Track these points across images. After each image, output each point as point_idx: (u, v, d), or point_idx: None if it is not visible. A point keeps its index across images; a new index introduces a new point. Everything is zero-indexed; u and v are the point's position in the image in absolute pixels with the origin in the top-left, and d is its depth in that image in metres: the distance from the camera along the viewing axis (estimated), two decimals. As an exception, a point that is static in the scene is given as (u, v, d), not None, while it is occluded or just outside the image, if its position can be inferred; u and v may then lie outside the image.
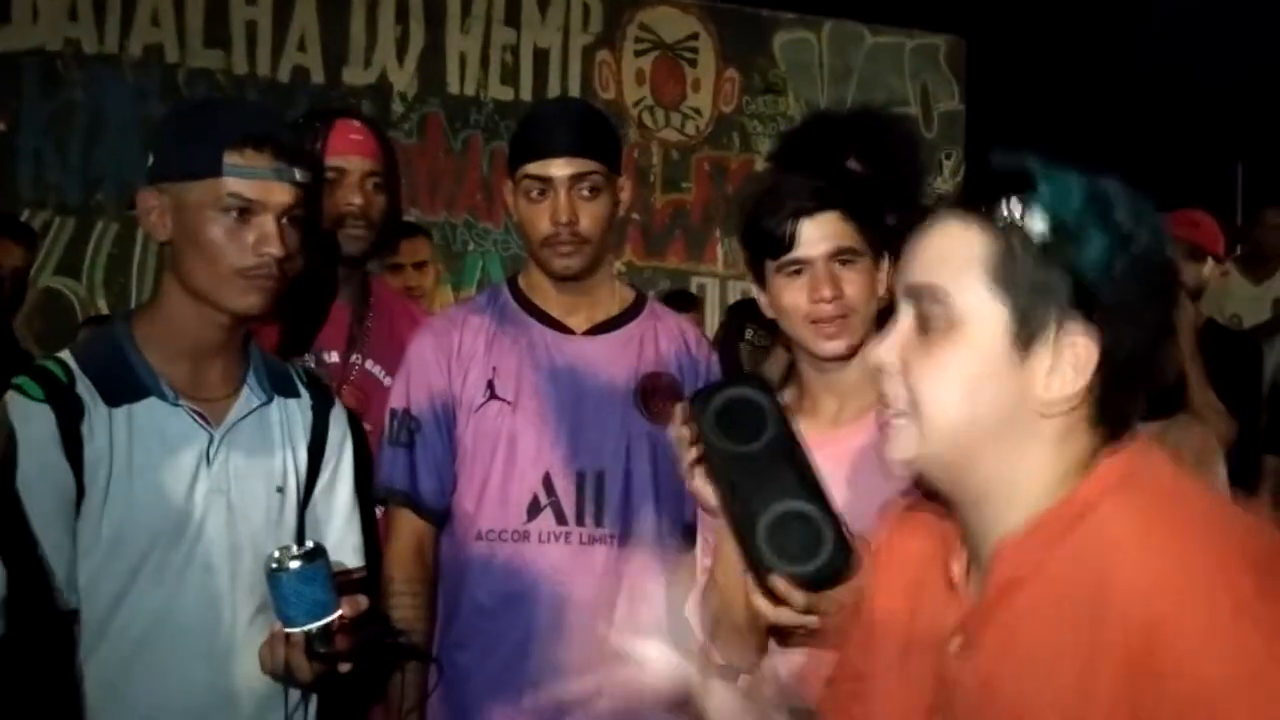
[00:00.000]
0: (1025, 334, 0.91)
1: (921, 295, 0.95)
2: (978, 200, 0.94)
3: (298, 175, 1.56)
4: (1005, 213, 0.91)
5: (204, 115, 1.64)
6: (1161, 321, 0.94)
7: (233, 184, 1.52)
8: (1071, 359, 0.91)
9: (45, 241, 4.55)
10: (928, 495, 1.05)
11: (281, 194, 1.54)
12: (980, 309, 0.92)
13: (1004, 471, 0.93)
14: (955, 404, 0.93)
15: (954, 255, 0.94)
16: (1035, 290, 0.90)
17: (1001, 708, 0.91)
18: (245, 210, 1.53)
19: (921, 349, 0.95)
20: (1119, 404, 0.94)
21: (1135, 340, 0.92)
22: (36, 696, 1.45)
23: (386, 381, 2.03)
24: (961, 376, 0.92)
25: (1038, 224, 0.90)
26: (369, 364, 2.05)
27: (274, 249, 1.53)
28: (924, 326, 0.95)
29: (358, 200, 1.99)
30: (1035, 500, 0.93)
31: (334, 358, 2.03)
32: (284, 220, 1.55)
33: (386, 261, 3.74)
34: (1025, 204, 0.91)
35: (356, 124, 2.06)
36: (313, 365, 1.98)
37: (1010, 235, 0.91)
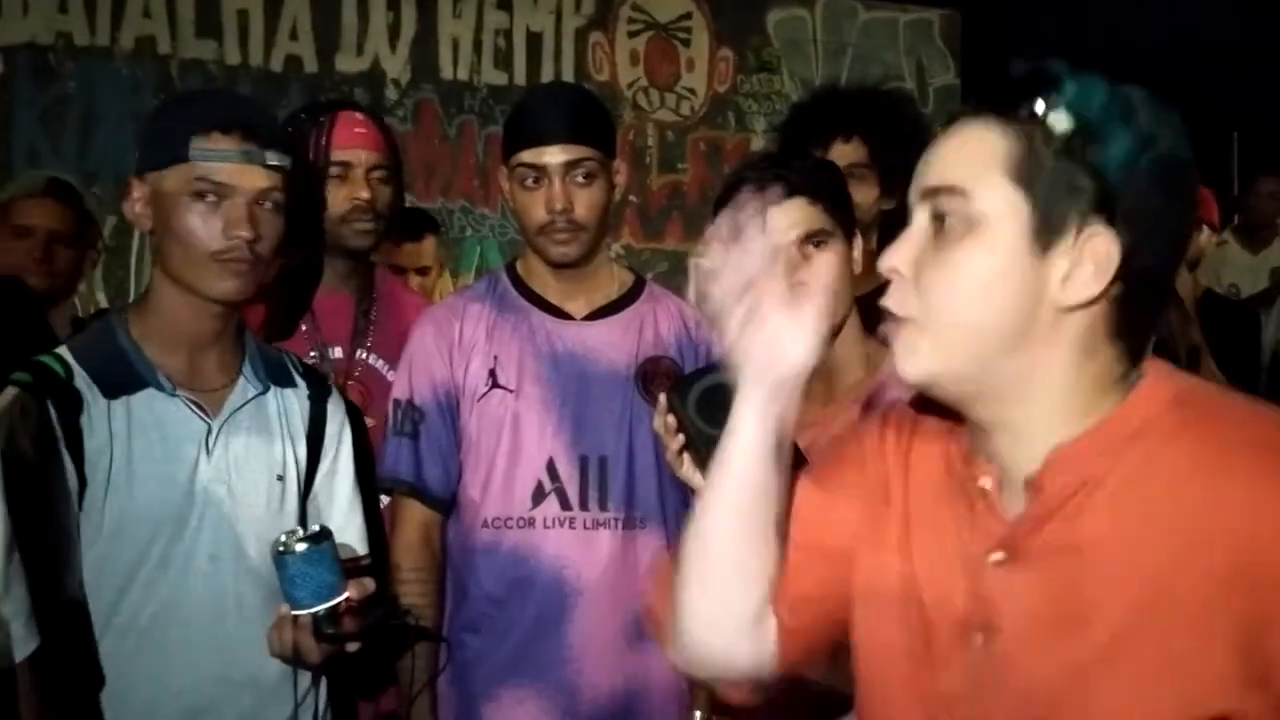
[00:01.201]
0: (1046, 232, 0.89)
1: (939, 196, 0.93)
2: (998, 102, 0.92)
3: (269, 158, 1.56)
4: (1028, 112, 0.90)
5: (177, 105, 1.66)
6: (1182, 229, 0.94)
7: (201, 168, 1.53)
8: (1092, 259, 0.89)
9: (42, 236, 4.54)
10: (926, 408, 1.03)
11: (252, 177, 1.55)
12: (1000, 207, 0.90)
13: (1025, 377, 0.92)
14: (972, 307, 0.91)
15: (974, 155, 0.92)
16: (1057, 188, 0.89)
17: (1069, 613, 0.89)
18: (216, 194, 1.54)
19: (937, 253, 0.93)
20: (1140, 316, 0.93)
21: (1156, 246, 0.91)
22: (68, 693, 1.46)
23: (390, 376, 2.03)
24: (979, 278, 0.91)
25: (1061, 121, 0.89)
26: (372, 359, 2.05)
27: (244, 232, 1.53)
28: (940, 229, 0.93)
29: (365, 194, 1.99)
30: (1067, 411, 0.92)
31: (338, 353, 2.03)
32: (260, 204, 1.56)
33: (388, 263, 3.71)
34: (1048, 102, 0.89)
35: (360, 116, 2.06)
36: (318, 361, 1.99)
37: (1033, 134, 0.90)
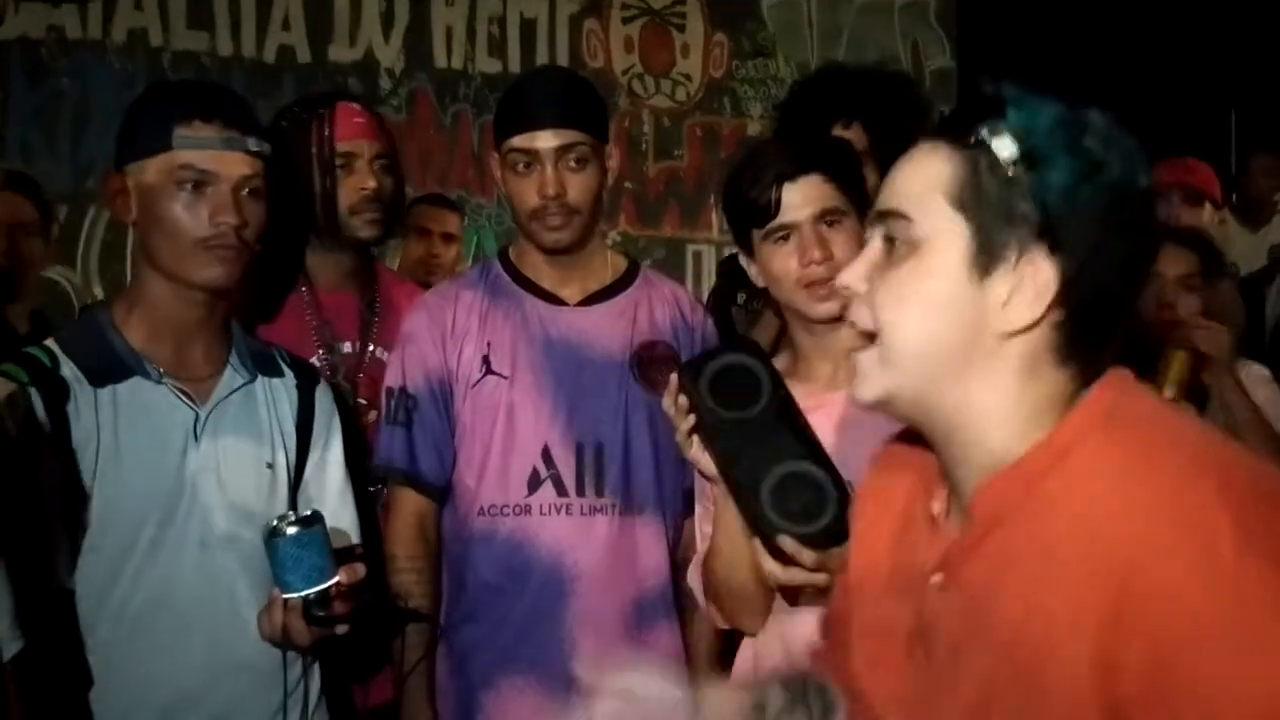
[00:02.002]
0: (985, 257, 0.90)
1: (888, 220, 0.95)
2: (951, 127, 0.94)
3: (251, 145, 1.57)
4: (975, 137, 0.90)
5: (156, 95, 1.65)
6: (1134, 257, 0.93)
7: (184, 156, 1.54)
8: (1031, 285, 0.89)
9: (38, 231, 4.53)
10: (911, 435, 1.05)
11: (235, 164, 1.56)
12: (941, 231, 0.91)
13: (970, 402, 0.92)
14: (915, 327, 0.92)
15: (920, 179, 0.93)
16: (998, 213, 0.89)
17: (983, 643, 0.90)
18: (200, 182, 1.54)
19: (887, 273, 0.94)
20: (1086, 341, 0.92)
21: (1101, 273, 0.90)
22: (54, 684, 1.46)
23: None
24: (921, 299, 0.92)
25: (1005, 148, 0.89)
26: (379, 351, 2.04)
27: (230, 218, 1.54)
28: (890, 251, 0.95)
29: (372, 184, 1.99)
30: (1007, 435, 0.92)
31: (349, 348, 2.03)
32: (242, 191, 1.56)
33: (411, 225, 3.75)
34: (993, 128, 0.90)
35: (358, 107, 2.06)
36: (327, 357, 1.99)
37: (978, 159, 0.90)
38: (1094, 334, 0.93)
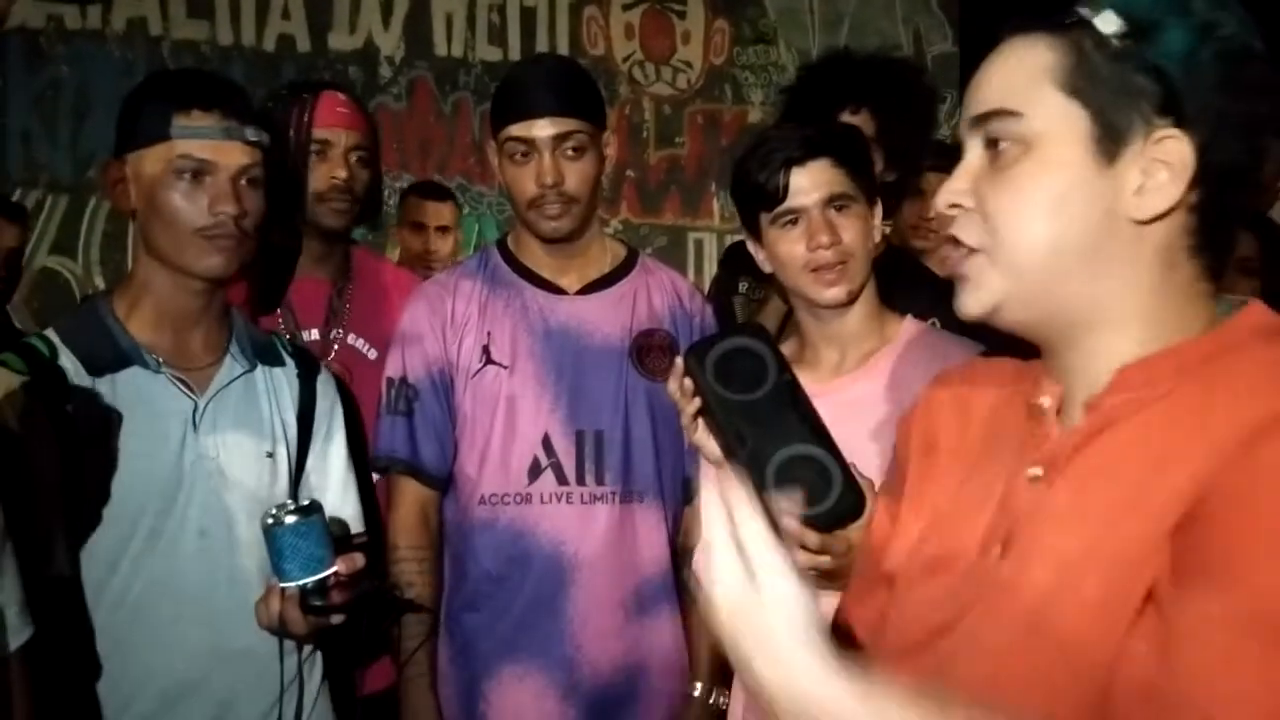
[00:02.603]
0: (1110, 140, 0.84)
1: (990, 121, 0.88)
2: (1042, 14, 0.87)
3: (249, 134, 1.57)
4: (1073, 19, 0.84)
5: (155, 84, 1.65)
6: (1260, 125, 0.85)
7: (183, 145, 1.54)
8: (1165, 164, 0.83)
9: (38, 221, 4.54)
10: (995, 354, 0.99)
11: (234, 153, 1.56)
12: (1056, 121, 0.85)
13: (1105, 299, 0.86)
14: (1041, 229, 0.85)
15: (1021, 73, 0.87)
16: (1115, 92, 0.83)
17: (1075, 531, 0.84)
18: (199, 171, 1.55)
19: (997, 179, 0.87)
20: (1222, 223, 0.86)
21: (1233, 142, 0.84)
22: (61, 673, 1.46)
23: (371, 355, 2.03)
24: (1045, 198, 0.85)
25: (1109, 23, 0.83)
26: (351, 338, 2.04)
27: (229, 208, 1.54)
28: (995, 156, 0.88)
29: (342, 174, 1.99)
30: (1148, 332, 0.86)
31: (314, 335, 2.02)
32: (241, 180, 1.56)
33: (405, 219, 3.75)
34: (1093, 4, 0.84)
35: (342, 97, 2.06)
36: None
37: (1082, 41, 0.84)
38: (1228, 216, 0.87)
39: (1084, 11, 0.85)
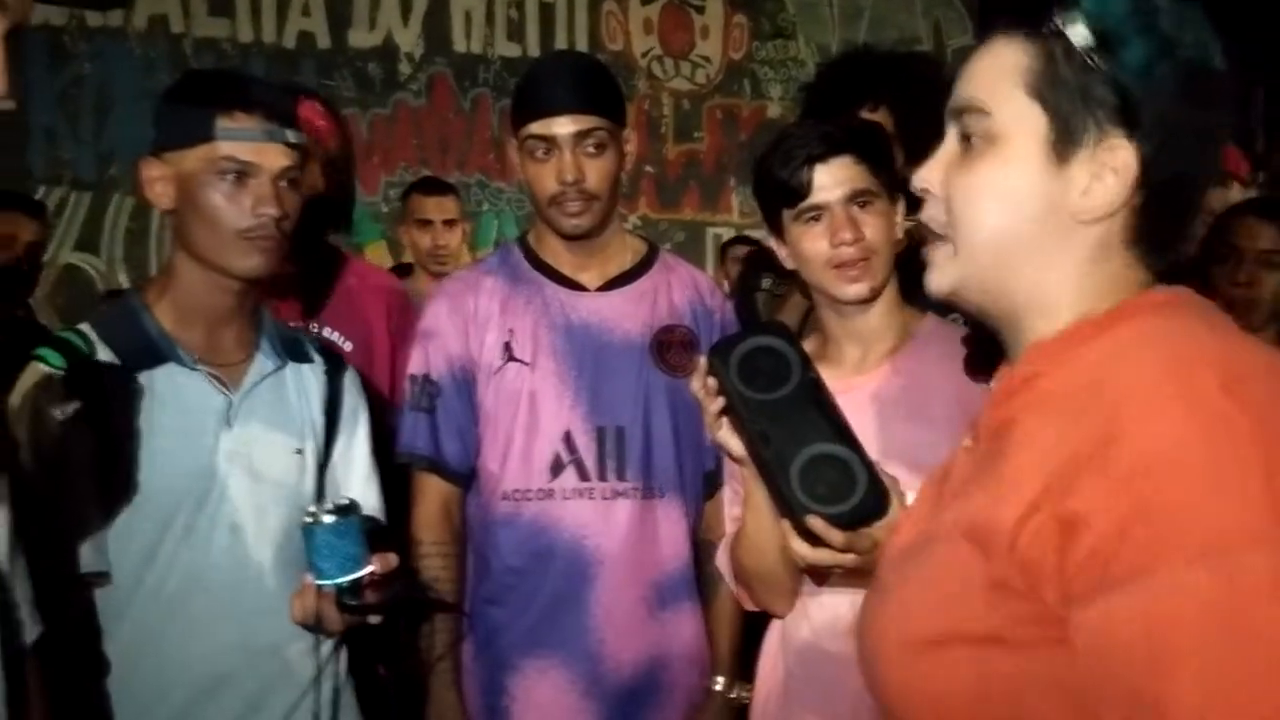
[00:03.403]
0: (1064, 142, 0.91)
1: (964, 115, 0.95)
2: (1023, 18, 0.94)
3: (290, 137, 1.59)
4: (1048, 26, 0.91)
5: (197, 83, 1.66)
6: (1210, 136, 0.93)
7: (226, 147, 1.55)
8: (1112, 167, 0.90)
9: (62, 218, 4.58)
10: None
11: (276, 155, 1.57)
12: (1019, 121, 0.92)
13: (1041, 285, 0.94)
14: (993, 217, 0.93)
15: (995, 71, 0.94)
16: (1075, 98, 0.90)
17: (983, 490, 0.91)
18: (241, 173, 1.56)
19: (963, 168, 0.95)
20: (1161, 224, 0.93)
21: (1180, 154, 0.90)
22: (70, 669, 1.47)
23: (348, 347, 2.06)
24: (1000, 189, 0.93)
25: (1079, 33, 0.90)
26: (327, 331, 2.07)
27: (271, 209, 1.55)
28: (966, 146, 0.96)
29: (320, 181, 2.04)
30: (1072, 315, 0.93)
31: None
32: (281, 182, 1.58)
33: (411, 218, 3.77)
34: (1067, 15, 0.90)
35: (319, 105, 2.10)
36: None
37: (1052, 45, 0.91)
38: (1169, 218, 0.93)
39: (1059, 20, 0.91)
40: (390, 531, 1.80)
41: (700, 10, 5.32)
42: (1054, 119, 0.91)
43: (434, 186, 3.90)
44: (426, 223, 3.70)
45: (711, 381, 1.36)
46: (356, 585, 1.49)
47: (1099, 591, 0.78)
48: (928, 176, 0.98)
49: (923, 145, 2.10)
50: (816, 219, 1.59)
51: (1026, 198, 0.92)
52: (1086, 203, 0.91)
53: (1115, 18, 0.89)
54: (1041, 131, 0.91)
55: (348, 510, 1.49)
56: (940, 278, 0.97)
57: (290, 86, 2.27)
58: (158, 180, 1.60)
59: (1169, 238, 0.94)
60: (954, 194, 0.95)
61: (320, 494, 1.68)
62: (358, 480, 1.75)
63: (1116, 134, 0.89)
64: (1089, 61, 0.89)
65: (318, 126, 2.05)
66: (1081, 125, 0.90)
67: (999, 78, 0.93)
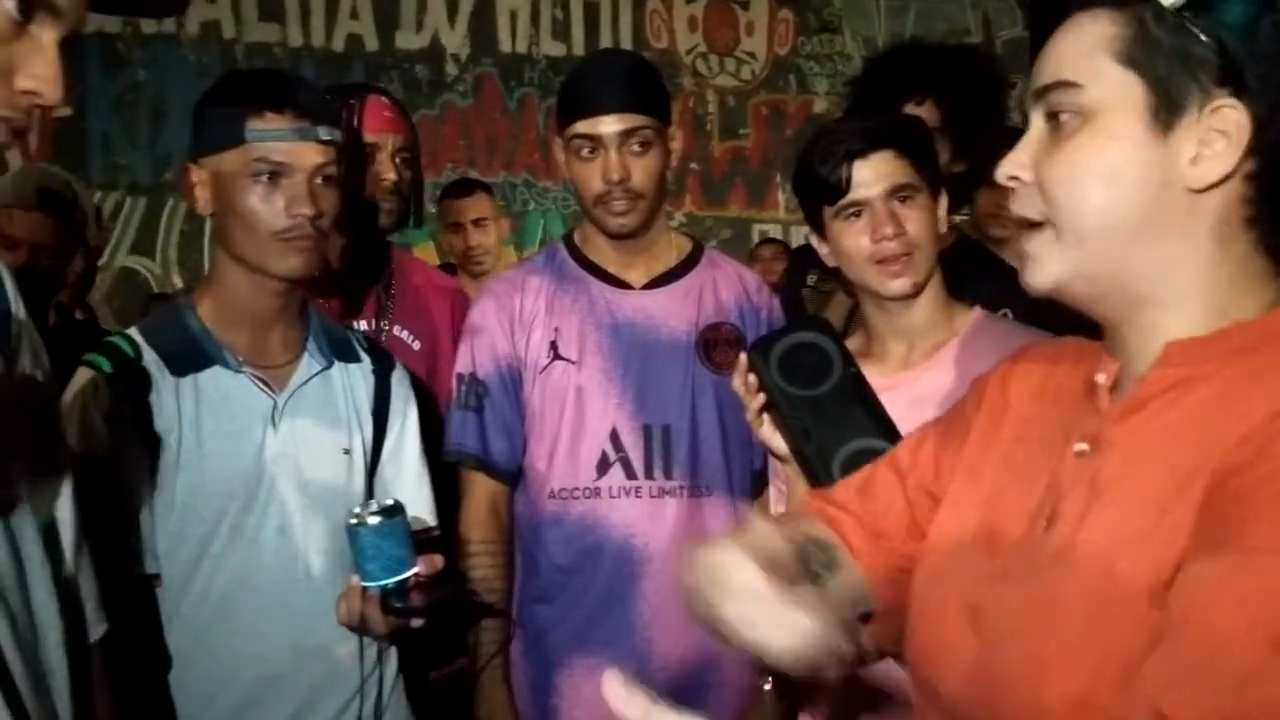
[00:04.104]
0: (1166, 109, 0.85)
1: (1050, 94, 0.90)
2: None
3: (322, 134, 1.58)
4: None
5: (228, 86, 1.66)
6: None
7: (258, 149, 1.55)
8: (1222, 132, 0.84)
9: (118, 221, 4.66)
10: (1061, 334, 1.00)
11: (309, 154, 1.57)
12: (1114, 92, 0.87)
13: (1163, 270, 0.87)
14: (1098, 199, 0.87)
15: (1082, 46, 0.89)
16: (1172, 61, 0.85)
17: (1120, 506, 0.84)
18: (275, 174, 1.56)
19: (1055, 151, 0.89)
20: (1277, 180, 0.86)
21: None
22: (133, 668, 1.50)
23: (415, 345, 2.07)
24: (1101, 168, 0.87)
25: None
26: (397, 329, 2.09)
27: (306, 209, 1.55)
28: (1056, 128, 0.90)
29: (391, 175, 2.05)
30: (1203, 306, 0.87)
31: (365, 326, 2.08)
32: (316, 180, 1.58)
33: (444, 222, 3.80)
34: None
35: (387, 101, 2.12)
36: None
37: (1142, 12, 0.86)
38: None
39: None
40: (440, 531, 1.82)
41: (745, 6, 5.30)
42: (1152, 86, 0.85)
43: (461, 189, 3.92)
44: (458, 226, 3.74)
45: (752, 378, 1.36)
46: (402, 587, 1.49)
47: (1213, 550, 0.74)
48: (1016, 162, 0.92)
49: (970, 137, 2.08)
50: (857, 215, 1.58)
51: (1132, 172, 0.86)
52: (1198, 171, 0.85)
53: None
54: (1140, 100, 0.86)
55: (392, 512, 1.49)
56: (1044, 270, 0.90)
57: (358, 85, 2.29)
58: (198, 185, 1.61)
59: None
60: (1049, 177, 0.89)
61: (369, 494, 1.69)
62: (408, 479, 1.76)
63: (1222, 95, 0.84)
64: (1184, 22, 0.84)
65: (385, 119, 2.07)
66: (1183, 90, 0.85)
67: (1087, 50, 0.88)
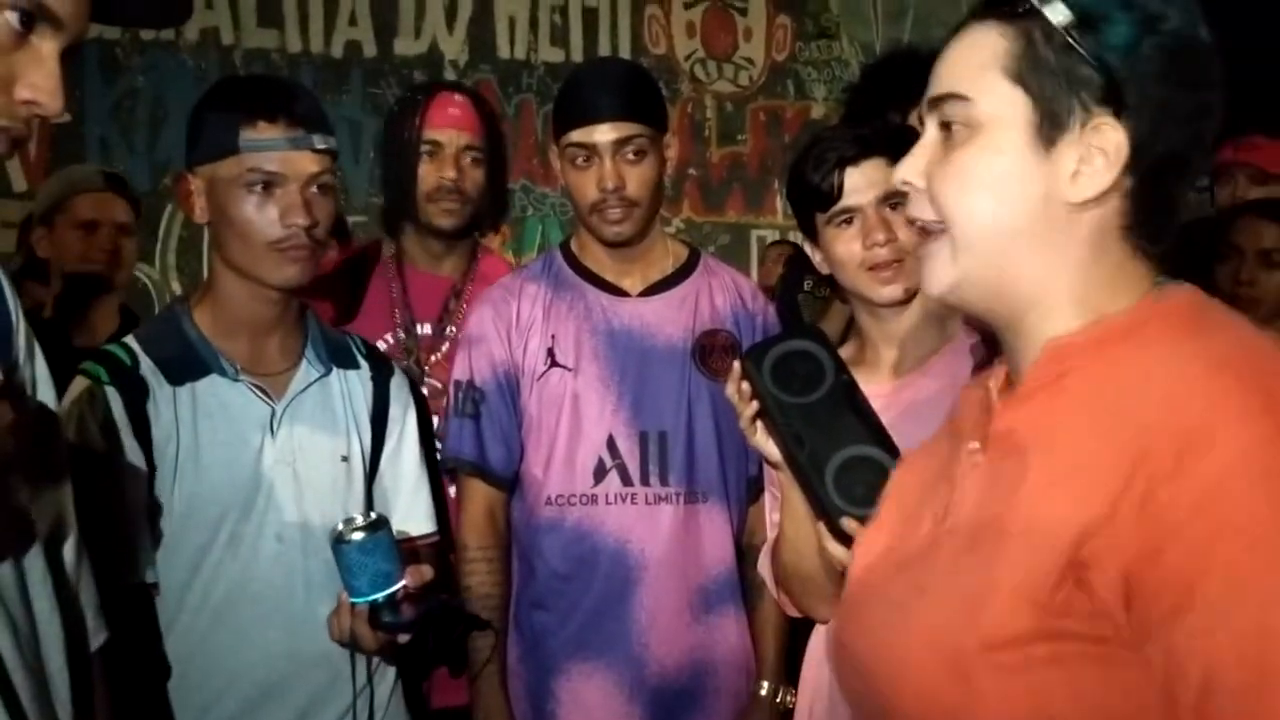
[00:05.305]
0: (1049, 126, 0.87)
1: (943, 104, 0.92)
2: (999, 3, 0.91)
3: (316, 142, 1.58)
4: (1025, 7, 0.88)
5: (222, 94, 1.66)
6: (1200, 115, 0.89)
7: (251, 159, 1.55)
8: (1100, 150, 0.87)
9: (117, 228, 4.65)
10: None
11: (303, 163, 1.57)
12: (1000, 107, 0.89)
13: (1041, 278, 0.90)
14: (983, 209, 0.90)
15: (974, 58, 0.91)
16: (1058, 80, 0.87)
17: (1001, 499, 0.87)
18: (269, 183, 1.56)
19: (946, 160, 0.92)
20: (1155, 208, 0.90)
21: (1169, 133, 0.87)
22: (135, 677, 1.50)
23: None
24: (987, 179, 0.89)
25: (1058, 13, 0.87)
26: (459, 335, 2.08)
27: (300, 219, 1.56)
28: (947, 136, 0.92)
29: (451, 174, 2.04)
30: (1077, 311, 0.90)
31: (426, 330, 2.08)
32: (311, 189, 1.58)
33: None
34: None
35: (457, 97, 2.11)
36: (402, 338, 2.04)
37: (1031, 29, 0.88)
38: (1164, 202, 0.90)
39: (1036, 0, 0.87)
40: (439, 538, 1.82)
41: (743, 12, 5.31)
42: (1037, 103, 0.88)
43: None
44: None
45: (746, 385, 1.37)
46: (390, 601, 1.49)
47: (1184, 611, 0.76)
48: (908, 169, 0.94)
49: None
50: (849, 221, 1.60)
51: (1016, 184, 0.89)
52: (1077, 187, 0.88)
53: None
54: (1025, 116, 0.88)
55: (376, 526, 1.48)
56: (940, 276, 0.93)
57: (434, 82, 2.25)
58: (193, 194, 1.61)
59: (1164, 221, 0.91)
60: (939, 186, 0.92)
61: (369, 500, 1.70)
62: (407, 486, 1.76)
63: (1103, 115, 0.86)
64: (1070, 41, 0.86)
65: (448, 115, 2.06)
66: (1066, 108, 0.87)
67: (979, 64, 0.90)
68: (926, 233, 0.94)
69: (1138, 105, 0.86)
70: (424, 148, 2.05)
